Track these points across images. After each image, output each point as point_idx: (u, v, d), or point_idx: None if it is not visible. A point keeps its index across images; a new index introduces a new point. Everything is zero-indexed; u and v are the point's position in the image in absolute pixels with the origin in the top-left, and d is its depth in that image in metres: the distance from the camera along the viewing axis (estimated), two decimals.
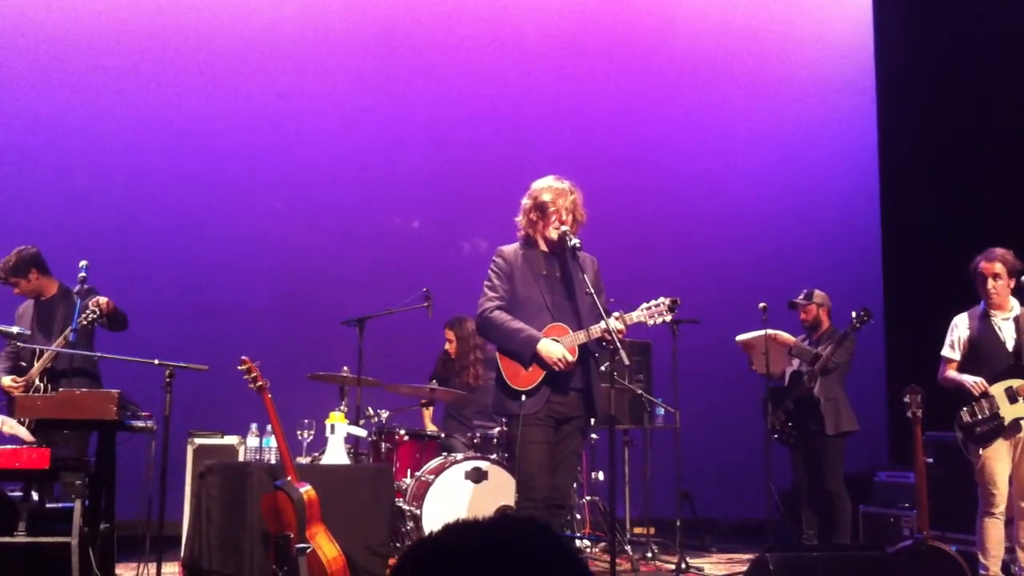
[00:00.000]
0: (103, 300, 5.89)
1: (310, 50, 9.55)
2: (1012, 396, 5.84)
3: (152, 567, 5.25)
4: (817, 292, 7.18)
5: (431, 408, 7.56)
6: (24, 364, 6.22)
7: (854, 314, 6.77)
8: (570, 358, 4.81)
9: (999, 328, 6.02)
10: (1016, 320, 6.00)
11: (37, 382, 6.04)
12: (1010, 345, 5.96)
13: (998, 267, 5.96)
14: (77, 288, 5.83)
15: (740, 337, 7.06)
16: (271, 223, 9.21)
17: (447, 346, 7.55)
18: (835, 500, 6.80)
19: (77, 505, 4.47)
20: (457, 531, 1.35)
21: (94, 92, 8.97)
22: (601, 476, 7.70)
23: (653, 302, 4.88)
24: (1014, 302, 6.06)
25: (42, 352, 6.03)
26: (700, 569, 7.05)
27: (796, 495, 7.19)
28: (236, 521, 5.44)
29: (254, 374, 5.19)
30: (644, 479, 7.97)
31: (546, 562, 1.31)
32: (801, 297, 7.16)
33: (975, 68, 9.28)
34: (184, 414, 5.87)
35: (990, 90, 9.11)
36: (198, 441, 7.10)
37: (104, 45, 9.05)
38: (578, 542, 7.03)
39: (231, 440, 7.13)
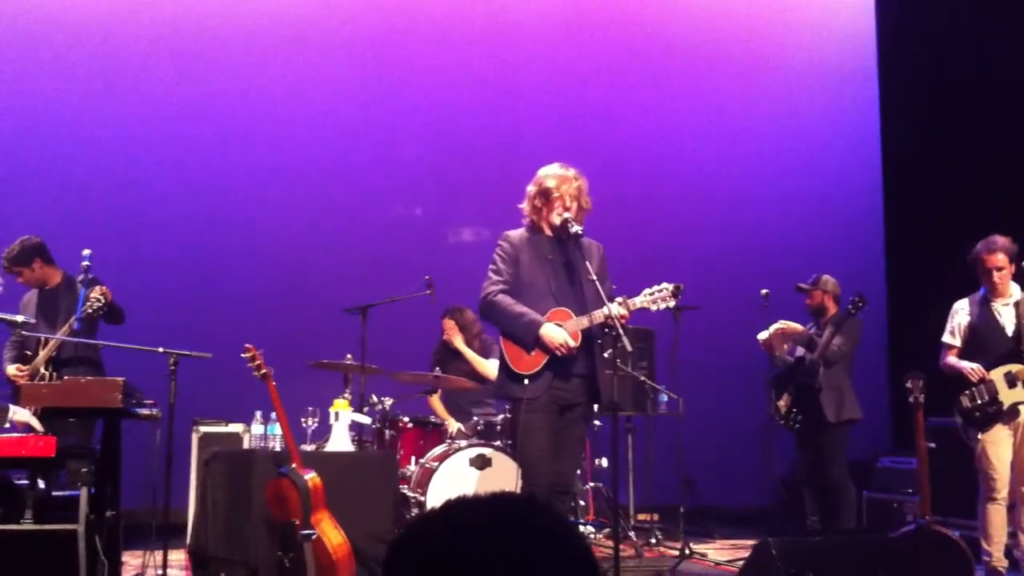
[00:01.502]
0: (105, 289, 5.90)
1: (311, 39, 9.53)
2: (1011, 381, 5.85)
3: (158, 554, 5.28)
4: (824, 278, 7.08)
5: (437, 395, 7.56)
6: (29, 353, 6.24)
7: (850, 304, 6.76)
8: (572, 343, 4.82)
9: (999, 314, 6.03)
10: (1016, 306, 6.01)
11: (42, 370, 6.06)
12: (1010, 330, 5.98)
13: (1001, 258, 5.97)
14: (81, 277, 5.84)
15: (760, 336, 6.98)
16: (274, 211, 9.21)
17: (444, 335, 7.56)
18: (838, 488, 6.72)
19: (83, 493, 4.48)
20: (460, 507, 1.36)
21: (94, 82, 8.96)
22: (604, 463, 7.72)
23: (656, 288, 4.89)
24: (1015, 287, 6.07)
25: (46, 341, 6.05)
26: (704, 555, 7.07)
27: (796, 481, 7.20)
28: (241, 508, 5.47)
29: (258, 362, 5.21)
30: (647, 466, 7.99)
31: (548, 537, 1.32)
32: (808, 282, 7.13)
33: (977, 52, 9.26)
34: (188, 402, 5.89)
35: (993, 73, 9.08)
36: (203, 429, 7.12)
37: (105, 34, 9.03)
38: (582, 528, 7.05)
39: (235, 428, 7.15)
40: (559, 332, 4.82)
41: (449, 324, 7.51)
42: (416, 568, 1.30)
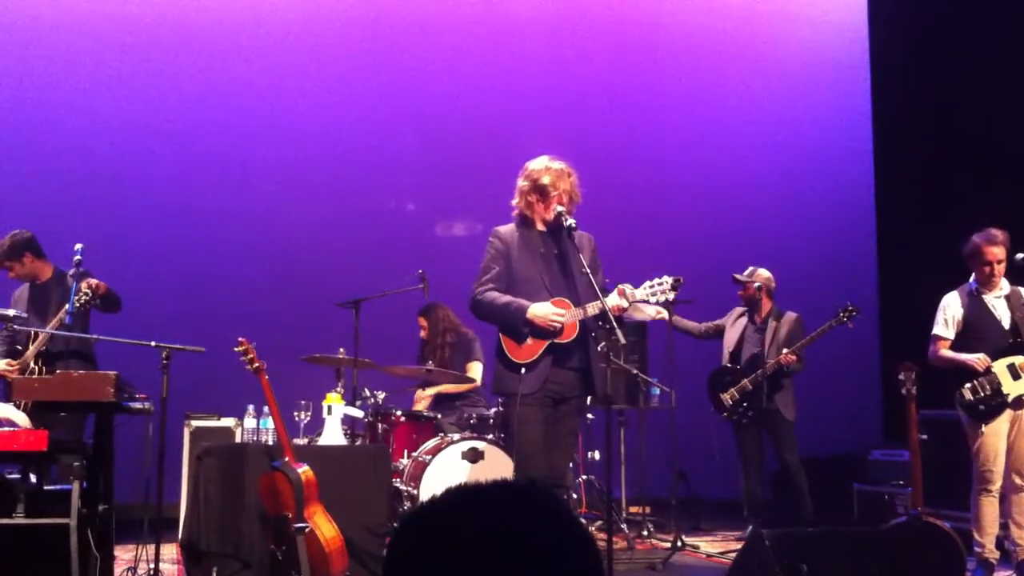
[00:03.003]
0: (96, 282, 5.89)
1: (303, 33, 9.51)
2: (1015, 373, 5.86)
3: (151, 548, 5.26)
4: (759, 271, 7.57)
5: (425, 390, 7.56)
6: (20, 348, 6.22)
7: (842, 311, 6.96)
8: (561, 314, 4.82)
9: (993, 306, 6.04)
10: (1008, 298, 6.02)
11: (32, 364, 6.05)
12: (1006, 323, 5.99)
13: (1001, 251, 5.98)
14: (72, 271, 5.82)
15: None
16: (267, 206, 9.20)
17: (421, 333, 7.59)
18: (795, 472, 7.31)
19: (75, 487, 4.47)
20: (461, 493, 1.36)
21: (85, 75, 8.94)
22: (597, 456, 7.74)
23: (657, 280, 4.88)
24: (1004, 281, 6.08)
25: (37, 335, 6.03)
26: (696, 547, 7.09)
27: (745, 471, 7.44)
28: (234, 502, 5.46)
29: (251, 356, 5.20)
30: (639, 459, 8.00)
31: (552, 518, 1.33)
32: (744, 274, 7.40)
33: (969, 45, 9.26)
34: (181, 396, 5.87)
35: (984, 67, 9.09)
36: (195, 423, 7.11)
37: (93, 28, 9.01)
38: None
39: (228, 422, 7.14)
40: (544, 307, 4.84)
41: (421, 322, 7.56)
42: (421, 553, 1.31)
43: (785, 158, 10.38)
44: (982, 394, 5.91)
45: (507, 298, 4.92)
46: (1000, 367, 5.90)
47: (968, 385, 5.95)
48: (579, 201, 5.06)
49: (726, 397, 7.34)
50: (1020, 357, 5.87)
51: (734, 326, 7.64)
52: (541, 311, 4.83)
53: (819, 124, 10.53)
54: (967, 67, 9.26)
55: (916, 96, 9.90)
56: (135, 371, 5.18)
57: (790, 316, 7.49)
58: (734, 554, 5.89)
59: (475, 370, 7.34)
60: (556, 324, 4.82)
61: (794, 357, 7.18)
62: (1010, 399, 5.85)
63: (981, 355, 5.95)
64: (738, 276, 7.58)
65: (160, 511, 5.25)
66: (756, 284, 7.48)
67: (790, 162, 10.38)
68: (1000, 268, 6.00)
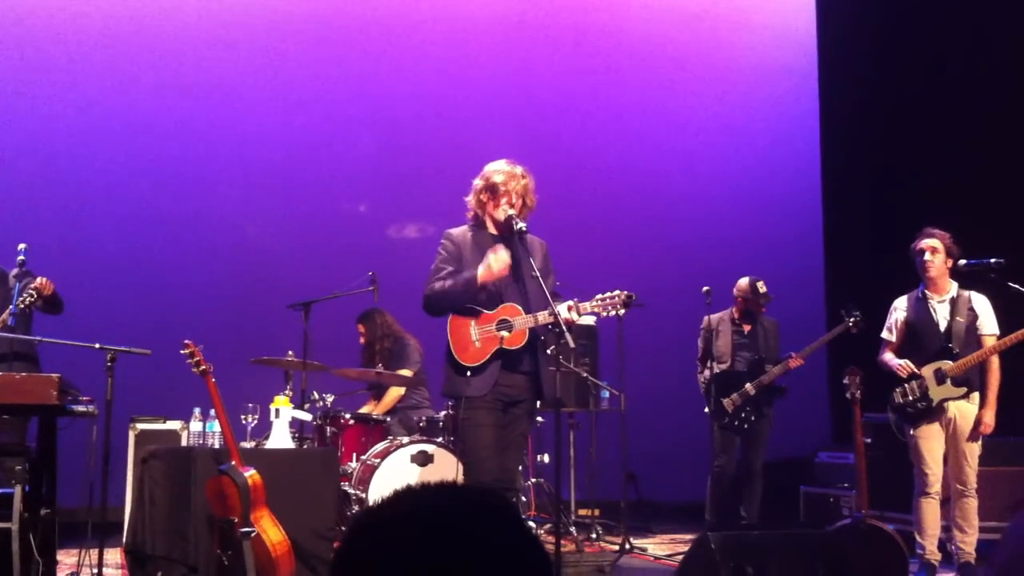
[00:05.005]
0: (42, 281, 5.79)
1: (258, 34, 9.45)
2: (941, 378, 5.95)
3: (94, 553, 5.19)
4: (742, 281, 7.44)
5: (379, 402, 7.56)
6: None
7: (851, 318, 6.97)
8: (505, 257, 4.81)
9: (934, 310, 6.12)
10: (952, 302, 6.09)
11: None
12: (943, 327, 6.07)
13: (935, 242, 6.05)
14: (15, 272, 5.73)
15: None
16: (216, 206, 9.12)
17: (360, 339, 7.59)
18: (757, 478, 7.31)
19: (17, 491, 4.41)
20: (409, 496, 1.36)
21: (36, 75, 8.81)
22: (547, 458, 7.75)
23: (609, 294, 4.86)
24: (952, 284, 6.14)
25: None
26: (644, 550, 7.13)
27: (727, 476, 7.34)
28: (180, 506, 5.40)
29: (197, 358, 5.14)
30: (589, 461, 8.03)
31: (496, 526, 1.33)
32: (752, 286, 7.34)
33: (917, 51, 9.42)
34: (126, 399, 5.81)
35: (931, 75, 9.24)
36: (140, 426, 7.03)
37: (41, 27, 8.88)
38: None
39: (174, 425, 7.07)
40: (491, 260, 4.80)
41: (360, 328, 7.55)
42: (369, 557, 1.30)
43: (734, 164, 10.48)
44: (911, 397, 6.01)
45: (451, 279, 4.90)
46: (928, 372, 5.99)
47: (898, 389, 6.06)
48: (533, 207, 5.05)
49: (728, 403, 7.22)
50: (948, 362, 5.96)
51: (721, 334, 7.45)
52: (489, 266, 4.79)
53: (768, 131, 10.64)
54: (914, 75, 9.41)
55: (864, 99, 10.04)
56: (79, 373, 5.12)
57: (773, 321, 7.52)
58: (681, 557, 5.92)
59: (403, 374, 7.35)
60: (504, 266, 4.80)
61: (801, 360, 7.21)
62: (935, 403, 5.95)
63: (905, 361, 6.05)
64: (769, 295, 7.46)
65: (104, 515, 5.19)
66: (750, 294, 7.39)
67: (739, 168, 10.47)
68: (935, 259, 6.04)
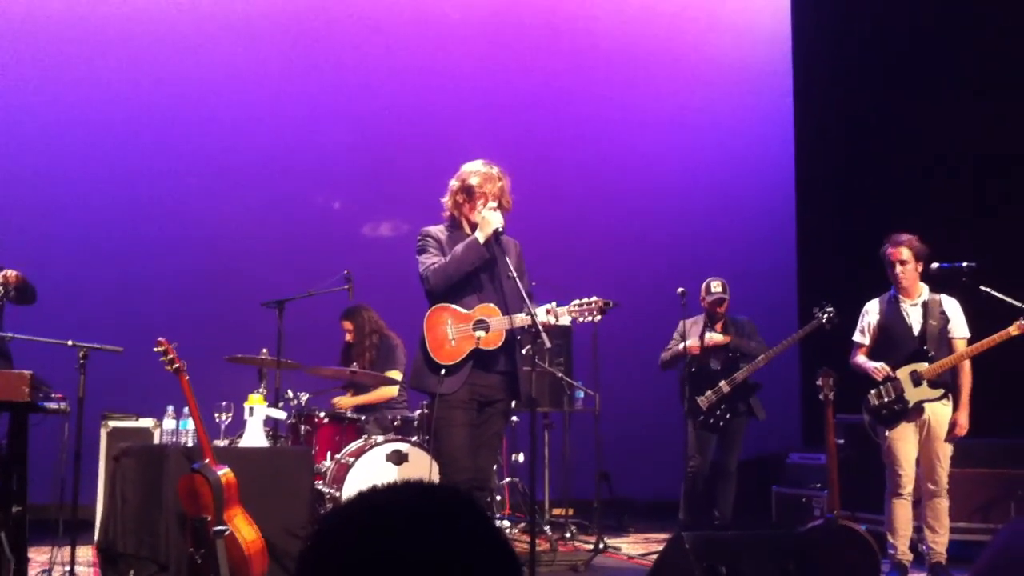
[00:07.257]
0: (11, 273, 5.74)
1: (233, 27, 9.40)
2: (916, 380, 6.00)
3: (66, 551, 5.16)
4: (714, 283, 7.43)
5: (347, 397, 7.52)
6: None
7: (824, 315, 6.95)
8: (498, 213, 4.86)
9: (907, 313, 6.16)
10: (924, 305, 6.14)
11: None
12: (916, 330, 6.11)
13: (904, 253, 6.08)
14: None
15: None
16: (191, 203, 9.07)
17: (347, 337, 7.54)
18: (731, 478, 7.33)
19: None
20: (377, 496, 1.36)
21: (4, 68, 8.73)
22: (521, 458, 7.75)
23: (586, 300, 4.87)
24: (923, 287, 6.19)
25: None
26: (617, 549, 7.15)
27: (694, 476, 7.35)
28: (152, 504, 5.37)
29: (171, 356, 5.11)
30: (564, 461, 8.03)
31: (466, 527, 1.33)
32: (716, 288, 7.34)
33: (891, 55, 9.48)
34: (98, 396, 5.77)
35: (905, 74, 9.31)
36: (112, 424, 6.98)
37: (12, 20, 8.81)
38: (497, 524, 7.06)
39: (146, 423, 7.03)
40: (486, 214, 4.85)
41: (346, 325, 7.51)
42: (335, 557, 1.30)
43: (709, 165, 10.51)
44: (886, 399, 6.05)
45: (448, 256, 4.88)
46: (903, 374, 6.04)
47: (873, 391, 6.10)
48: (510, 208, 5.05)
49: (703, 400, 7.22)
50: (924, 364, 6.01)
51: (694, 336, 7.37)
52: (485, 225, 4.84)
53: (742, 131, 10.68)
54: (888, 76, 9.47)
55: (839, 100, 10.10)
56: (51, 370, 5.07)
57: (747, 320, 7.52)
58: (655, 556, 5.93)
59: (395, 378, 7.31)
60: (499, 222, 4.84)
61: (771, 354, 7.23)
62: (911, 405, 5.99)
63: (881, 364, 6.10)
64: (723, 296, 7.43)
65: (76, 512, 5.15)
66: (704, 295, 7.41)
67: (713, 168, 10.51)
68: (906, 270, 6.08)
